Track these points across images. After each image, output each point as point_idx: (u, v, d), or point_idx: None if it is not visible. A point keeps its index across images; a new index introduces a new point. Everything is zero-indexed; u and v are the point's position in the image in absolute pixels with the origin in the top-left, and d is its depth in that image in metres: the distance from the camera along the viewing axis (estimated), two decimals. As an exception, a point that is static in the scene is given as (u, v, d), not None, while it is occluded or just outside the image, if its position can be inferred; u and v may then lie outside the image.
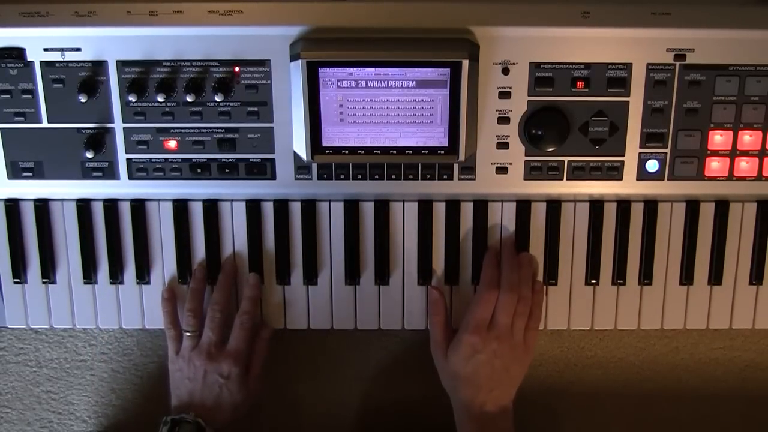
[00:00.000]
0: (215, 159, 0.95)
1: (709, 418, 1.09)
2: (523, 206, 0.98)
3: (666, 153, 0.94)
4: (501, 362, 0.92)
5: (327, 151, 0.92)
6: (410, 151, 0.92)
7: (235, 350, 0.96)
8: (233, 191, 0.97)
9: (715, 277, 0.99)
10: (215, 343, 0.95)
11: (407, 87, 0.89)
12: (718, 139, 0.94)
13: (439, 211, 0.98)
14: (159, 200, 0.98)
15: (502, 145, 0.94)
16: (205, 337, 0.96)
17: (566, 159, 0.94)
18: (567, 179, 0.95)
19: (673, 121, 0.93)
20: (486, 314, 0.93)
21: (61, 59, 0.91)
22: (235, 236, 0.99)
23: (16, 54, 0.91)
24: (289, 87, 0.91)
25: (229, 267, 0.98)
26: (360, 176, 0.95)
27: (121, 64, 0.91)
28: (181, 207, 0.98)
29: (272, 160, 0.95)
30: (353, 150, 0.92)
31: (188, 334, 0.96)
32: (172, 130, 0.94)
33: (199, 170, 0.95)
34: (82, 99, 0.90)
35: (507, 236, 0.98)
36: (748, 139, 0.93)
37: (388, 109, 0.90)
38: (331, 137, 0.91)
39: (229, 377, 0.94)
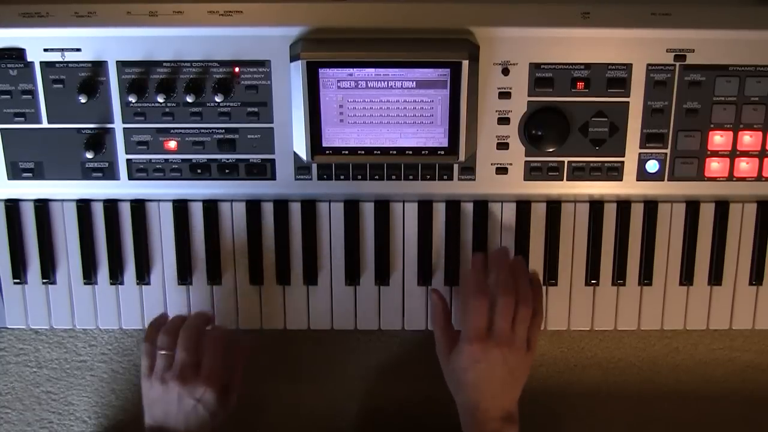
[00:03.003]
0: (215, 159, 0.95)
1: (709, 419, 1.08)
2: (523, 207, 0.97)
3: (666, 153, 0.94)
4: (503, 369, 0.90)
5: (327, 152, 0.92)
6: (410, 152, 0.92)
7: (209, 371, 0.90)
8: (233, 191, 0.97)
9: (715, 277, 0.99)
10: (189, 365, 0.90)
11: (407, 87, 0.89)
12: (718, 139, 0.93)
13: (439, 211, 0.98)
14: (159, 201, 0.98)
15: (502, 146, 0.94)
16: (178, 357, 0.91)
17: (566, 159, 0.94)
18: (567, 180, 0.95)
19: (673, 122, 0.93)
20: (481, 322, 0.90)
21: (61, 59, 0.91)
22: (235, 237, 0.99)
23: (16, 54, 0.91)
24: (289, 87, 0.91)
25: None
26: (360, 177, 0.95)
27: (121, 65, 0.91)
28: (181, 207, 0.98)
29: (272, 161, 0.95)
30: (353, 150, 0.92)
31: (162, 353, 0.91)
32: (172, 131, 0.94)
33: (199, 170, 0.95)
34: (82, 99, 0.90)
35: (498, 241, 0.97)
36: (748, 139, 0.93)
37: (388, 109, 0.90)
38: (331, 138, 0.91)
39: (202, 399, 0.90)
